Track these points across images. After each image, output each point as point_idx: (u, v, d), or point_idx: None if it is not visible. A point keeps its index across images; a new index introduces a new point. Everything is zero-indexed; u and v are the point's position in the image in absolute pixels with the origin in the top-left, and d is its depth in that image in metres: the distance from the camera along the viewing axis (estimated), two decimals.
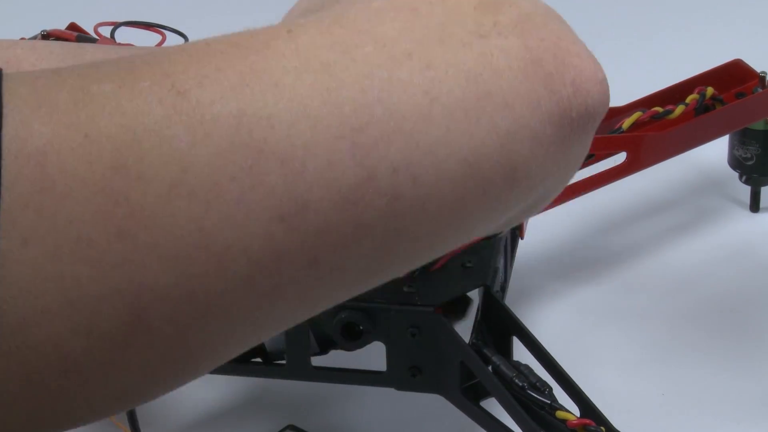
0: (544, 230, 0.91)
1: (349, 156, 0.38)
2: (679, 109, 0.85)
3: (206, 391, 0.79)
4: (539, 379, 0.66)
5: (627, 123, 0.84)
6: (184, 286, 0.37)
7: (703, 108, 0.87)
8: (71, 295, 0.35)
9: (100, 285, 0.36)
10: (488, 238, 0.74)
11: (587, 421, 0.65)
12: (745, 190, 0.94)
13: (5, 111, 0.35)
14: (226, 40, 0.40)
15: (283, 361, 0.72)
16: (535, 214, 0.49)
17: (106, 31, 0.83)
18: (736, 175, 0.93)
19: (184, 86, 0.37)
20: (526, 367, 0.67)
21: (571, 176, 0.47)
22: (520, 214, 0.46)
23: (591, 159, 0.84)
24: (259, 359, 0.73)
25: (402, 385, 0.71)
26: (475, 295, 0.72)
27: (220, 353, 0.40)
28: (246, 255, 0.37)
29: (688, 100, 0.86)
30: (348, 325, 0.70)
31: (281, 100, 0.38)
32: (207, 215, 0.37)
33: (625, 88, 0.91)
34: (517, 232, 0.82)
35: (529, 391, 0.66)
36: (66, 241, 0.35)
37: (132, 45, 0.77)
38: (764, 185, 0.93)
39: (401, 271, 0.43)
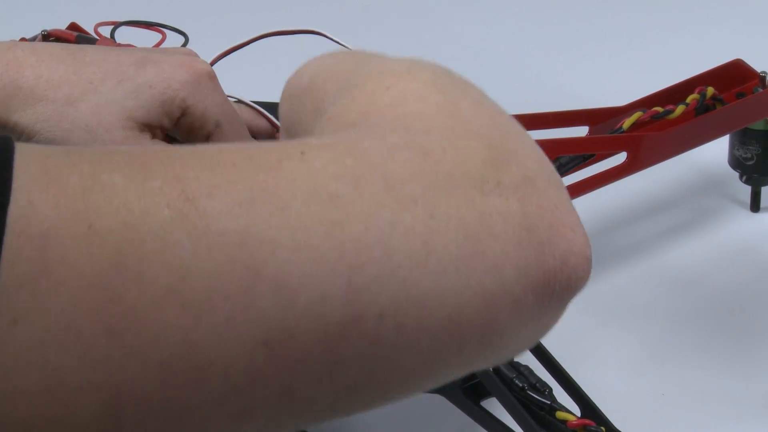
0: None
1: (342, 294, 0.38)
2: (680, 109, 0.85)
3: None
4: (539, 380, 0.66)
5: (627, 123, 0.84)
6: (161, 393, 0.37)
7: (704, 108, 0.87)
8: (51, 382, 0.35)
9: (81, 378, 0.36)
10: None
11: (587, 421, 0.65)
12: (745, 190, 0.94)
13: (14, 187, 0.35)
14: (240, 151, 0.40)
15: None
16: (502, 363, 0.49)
17: (106, 31, 0.83)
18: (736, 175, 0.93)
19: (194, 194, 0.37)
20: (526, 368, 0.67)
21: (541, 338, 0.47)
22: (487, 364, 0.46)
23: (591, 159, 0.84)
24: None
25: None
26: None
27: None
28: (225, 373, 0.37)
29: (689, 100, 0.86)
30: None
31: (286, 226, 0.38)
32: (195, 328, 0.37)
33: (625, 88, 0.92)
34: None
35: (529, 392, 0.66)
36: (55, 329, 0.35)
37: (132, 45, 0.77)
38: (764, 185, 0.93)
39: (366, 409, 0.43)
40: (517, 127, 0.45)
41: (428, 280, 0.40)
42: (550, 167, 0.44)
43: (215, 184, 0.38)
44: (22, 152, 0.36)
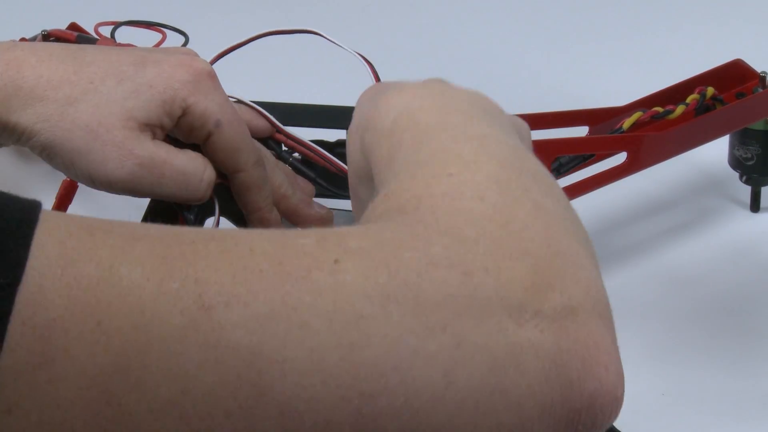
0: None
1: (349, 421, 0.37)
2: (680, 109, 0.85)
3: None
4: None
5: (627, 123, 0.84)
6: None
7: (704, 108, 0.87)
8: None
9: None
10: None
11: None
12: (745, 190, 0.94)
13: (28, 267, 0.35)
14: (272, 252, 0.38)
15: None
16: None
17: (106, 31, 0.83)
18: (736, 175, 0.93)
19: (212, 301, 0.36)
20: None
21: None
22: None
23: (591, 159, 0.84)
24: None
25: None
26: None
27: None
28: None
29: (689, 100, 0.86)
30: None
31: (301, 345, 0.36)
32: None
33: (625, 88, 0.92)
34: None
35: None
36: (49, 424, 0.35)
37: (132, 45, 0.77)
38: (764, 185, 0.93)
39: None
40: (574, 236, 0.43)
41: (443, 413, 0.38)
42: (598, 291, 0.42)
43: (236, 293, 0.37)
44: (45, 227, 0.35)
